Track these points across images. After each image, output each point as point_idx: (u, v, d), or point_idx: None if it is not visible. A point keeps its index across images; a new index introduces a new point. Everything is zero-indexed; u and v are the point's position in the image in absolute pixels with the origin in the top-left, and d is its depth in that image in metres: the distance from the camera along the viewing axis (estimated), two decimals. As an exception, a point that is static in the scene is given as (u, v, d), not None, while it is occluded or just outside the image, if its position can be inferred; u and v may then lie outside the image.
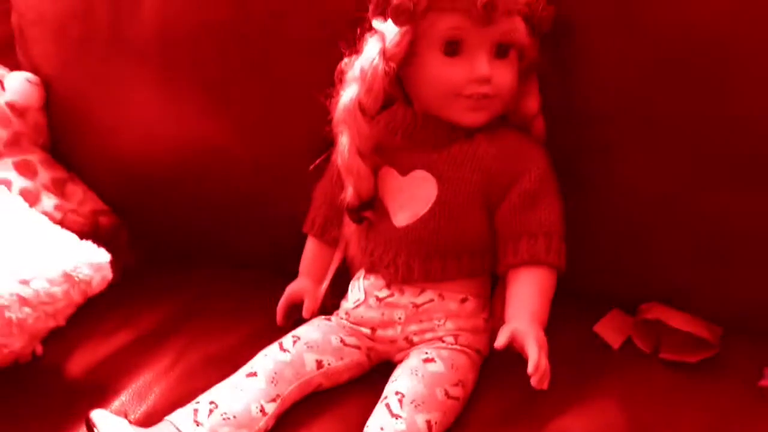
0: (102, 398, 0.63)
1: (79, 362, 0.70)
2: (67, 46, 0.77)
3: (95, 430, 0.52)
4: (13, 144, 0.81)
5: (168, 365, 0.66)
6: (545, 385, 0.51)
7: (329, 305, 0.66)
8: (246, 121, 0.72)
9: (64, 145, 0.84)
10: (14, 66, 0.85)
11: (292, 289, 0.67)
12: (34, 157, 0.82)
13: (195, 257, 0.83)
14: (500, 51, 0.56)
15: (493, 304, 0.61)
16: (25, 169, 0.80)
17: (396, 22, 0.55)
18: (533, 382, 0.51)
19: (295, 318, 0.67)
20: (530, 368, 0.50)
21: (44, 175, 0.81)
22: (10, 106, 0.80)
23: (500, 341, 0.52)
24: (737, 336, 0.58)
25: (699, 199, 0.58)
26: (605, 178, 0.61)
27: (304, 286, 0.67)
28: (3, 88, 0.80)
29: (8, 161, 0.79)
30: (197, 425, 0.52)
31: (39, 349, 0.70)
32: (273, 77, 0.69)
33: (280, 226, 0.74)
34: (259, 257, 0.79)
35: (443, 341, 0.58)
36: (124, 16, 0.72)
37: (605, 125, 0.60)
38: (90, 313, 0.72)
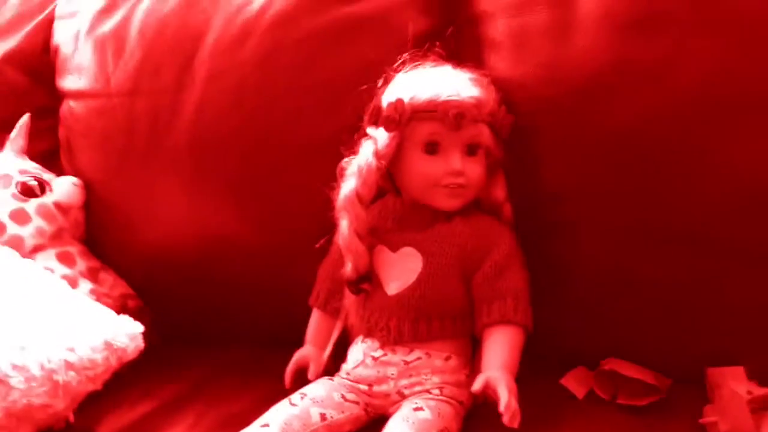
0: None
1: (107, 428, 0.79)
2: (110, 154, 0.91)
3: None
4: (56, 237, 0.93)
5: (188, 427, 0.75)
6: (515, 424, 0.60)
7: (332, 369, 0.75)
8: (260, 214, 0.84)
9: (99, 238, 0.96)
10: (59, 171, 1.00)
11: (299, 355, 0.77)
12: (74, 249, 0.94)
13: (210, 335, 0.93)
14: (470, 150, 0.70)
15: (474, 363, 0.70)
16: (65, 259, 0.91)
17: (386, 129, 0.69)
18: (505, 420, 0.59)
19: (301, 382, 0.76)
20: (502, 407, 0.59)
21: (81, 264, 0.92)
22: (56, 205, 0.93)
23: (476, 386, 0.62)
24: (685, 384, 0.67)
25: (648, 268, 0.69)
26: (567, 252, 0.72)
27: (310, 352, 0.77)
28: (51, 190, 0.94)
29: (51, 252, 0.91)
30: (219, 467, 0.60)
31: (71, 418, 0.78)
32: (284, 176, 0.82)
33: (286, 304, 0.85)
34: (267, 332, 0.89)
35: (430, 393, 0.67)
36: (161, 129, 0.87)
37: (564, 208, 0.72)
38: (116, 385, 0.82)
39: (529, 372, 0.67)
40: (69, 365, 0.68)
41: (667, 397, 0.66)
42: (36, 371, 0.66)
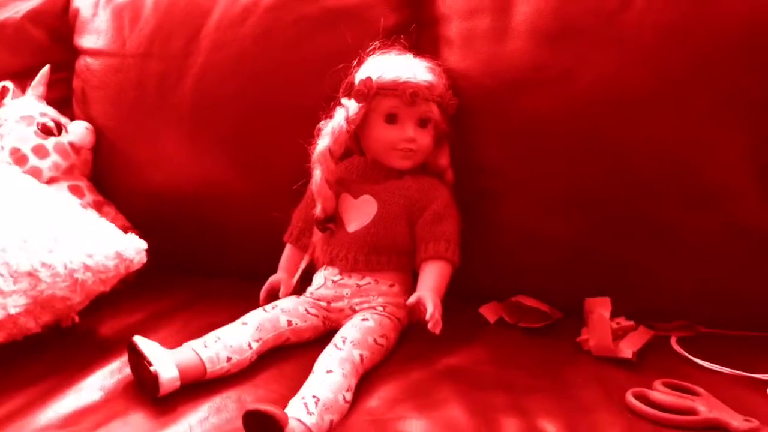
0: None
1: (107, 329, 0.94)
2: (122, 106, 1.07)
3: (137, 348, 0.76)
4: (68, 172, 1.08)
5: (179, 329, 0.90)
6: (437, 330, 0.78)
7: (298, 291, 0.92)
8: (249, 164, 1.01)
9: (105, 177, 1.11)
10: (70, 117, 1.15)
11: (272, 279, 0.94)
12: (82, 183, 1.09)
13: (196, 267, 1.09)
14: (422, 123, 0.88)
15: (412, 292, 0.89)
16: (75, 191, 1.07)
17: (356, 100, 0.87)
18: (429, 326, 0.78)
19: (273, 301, 0.93)
20: (427, 316, 0.77)
21: (89, 197, 1.08)
22: (71, 144, 1.08)
23: (410, 300, 0.80)
24: (572, 317, 0.86)
25: (554, 228, 0.87)
26: (493, 211, 0.91)
27: (281, 277, 0.94)
28: (66, 131, 1.09)
29: (64, 184, 1.06)
30: (206, 347, 0.77)
31: (77, 318, 0.94)
32: (270, 134, 0.99)
33: (264, 241, 1.01)
34: (246, 266, 1.05)
35: (375, 309, 0.85)
36: (168, 88, 1.03)
37: (493, 176, 0.90)
38: (115, 299, 0.98)
39: (454, 303, 0.86)
40: (87, 267, 0.84)
41: (557, 324, 0.85)
42: (60, 269, 0.81)
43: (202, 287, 1.05)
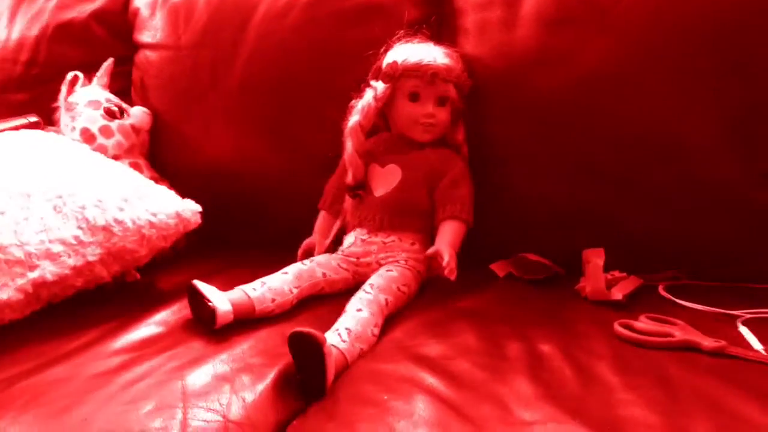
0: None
1: (165, 283, 1.08)
2: (176, 92, 1.22)
3: (197, 288, 0.89)
4: (129, 151, 1.23)
5: (226, 283, 1.03)
6: (453, 277, 0.90)
7: (331, 251, 1.05)
8: (289, 143, 1.14)
9: (159, 156, 1.26)
10: (129, 104, 1.29)
11: (308, 240, 1.07)
12: (141, 162, 1.24)
13: (239, 236, 1.22)
14: (440, 101, 1.01)
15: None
16: (135, 167, 1.20)
17: (384, 81, 1.00)
18: (446, 272, 0.89)
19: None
20: (444, 263, 0.89)
21: (146, 173, 1.22)
22: (132, 126, 1.23)
23: (429, 251, 0.92)
24: (574, 273, 0.97)
25: (557, 193, 0.99)
26: (503, 179, 1.02)
27: (316, 239, 1.07)
28: (129, 115, 1.23)
29: (126, 161, 1.20)
30: (254, 289, 0.90)
31: (138, 276, 1.08)
32: (308, 115, 1.13)
33: (298, 212, 1.13)
34: (281, 235, 1.17)
35: (399, 263, 0.97)
36: (218, 75, 1.17)
37: (504, 148, 1.02)
38: (169, 263, 1.12)
39: (468, 262, 0.97)
40: (152, 224, 0.97)
41: (559, 277, 0.97)
42: (130, 225, 0.95)
43: (244, 253, 1.17)
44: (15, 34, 1.38)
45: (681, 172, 0.91)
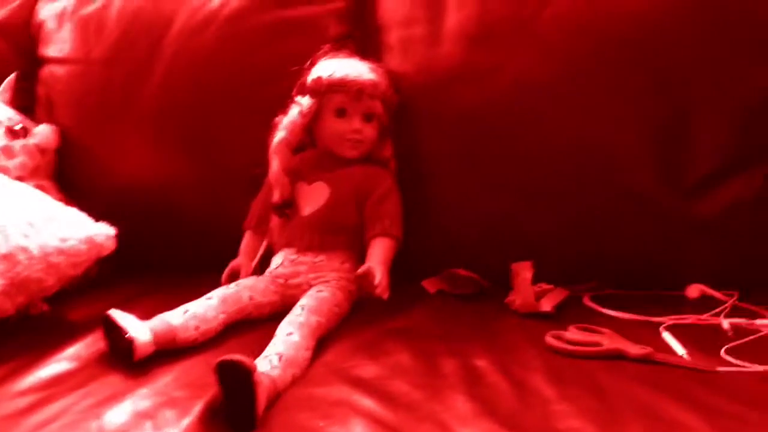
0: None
1: (75, 315, 1.00)
2: (87, 110, 1.15)
3: (112, 319, 0.83)
4: (34, 172, 1.15)
5: (144, 314, 0.97)
6: (386, 296, 0.89)
7: (258, 273, 1.01)
8: (208, 162, 1.10)
9: (68, 178, 1.18)
10: (34, 121, 1.20)
11: (233, 263, 1.03)
12: (47, 184, 1.16)
13: (156, 259, 1.16)
14: (367, 118, 0.99)
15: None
16: (42, 190, 1.12)
17: (310, 96, 0.98)
18: (378, 291, 0.88)
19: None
20: (376, 282, 0.88)
21: (53, 195, 1.13)
22: (37, 146, 1.14)
23: (360, 270, 0.90)
24: (502, 286, 0.98)
25: (481, 207, 1.00)
26: (430, 193, 1.02)
27: (242, 261, 1.03)
28: (33, 134, 1.15)
29: (31, 183, 1.11)
30: (176, 317, 0.85)
31: (46, 307, 1.00)
32: (228, 133, 1.09)
33: (220, 233, 1.09)
34: (201, 259, 1.11)
35: (329, 283, 0.95)
36: (132, 92, 1.12)
37: (430, 163, 1.02)
38: (79, 292, 1.04)
39: (398, 279, 0.96)
40: (60, 251, 0.90)
41: (489, 291, 0.97)
42: (35, 252, 0.88)
43: (165, 278, 1.11)
44: None
45: (605, 184, 0.93)
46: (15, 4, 1.29)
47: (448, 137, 1.00)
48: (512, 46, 0.96)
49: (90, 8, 1.18)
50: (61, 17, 1.21)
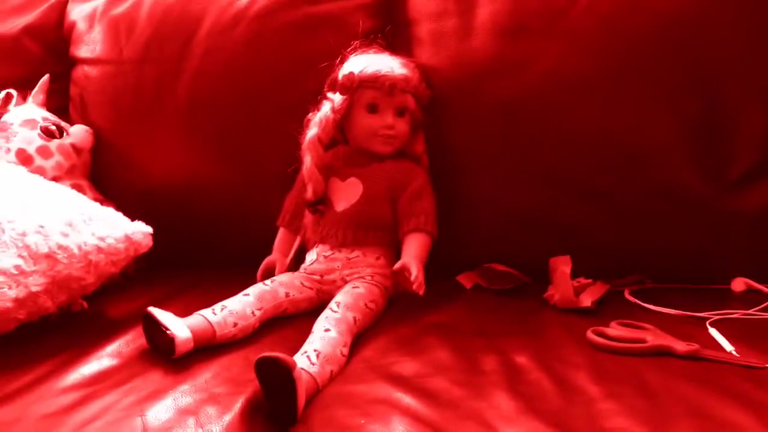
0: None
1: (115, 312, 1.01)
2: (120, 109, 1.16)
3: (153, 316, 0.84)
4: (70, 172, 1.16)
5: (183, 309, 0.97)
6: (422, 292, 0.88)
7: (293, 269, 1.01)
8: (240, 159, 1.10)
9: (103, 177, 1.19)
10: (69, 122, 1.22)
11: (267, 259, 1.03)
12: (83, 183, 1.17)
13: (191, 257, 1.17)
14: (399, 112, 0.99)
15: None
16: (77, 189, 1.13)
17: (341, 93, 0.98)
18: (414, 287, 0.87)
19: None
20: (412, 278, 0.87)
21: (89, 194, 1.15)
22: (72, 146, 1.16)
23: (396, 266, 0.90)
24: (540, 282, 0.97)
25: (517, 200, 0.98)
26: (462, 189, 1.01)
27: (276, 257, 1.03)
28: (68, 134, 1.16)
29: (67, 183, 1.13)
30: (214, 314, 0.86)
31: (85, 304, 1.01)
32: (260, 130, 1.09)
33: (252, 230, 1.09)
34: (234, 255, 1.12)
35: (365, 279, 0.95)
36: (164, 91, 1.12)
37: (463, 157, 1.01)
38: (118, 290, 1.06)
39: (434, 274, 0.95)
40: (99, 249, 0.91)
41: (527, 286, 0.96)
42: (75, 251, 0.89)
43: (200, 275, 1.12)
44: (-61, 51, 1.29)
45: (642, 178, 0.92)
46: (45, 7, 1.30)
47: (481, 131, 0.99)
48: (545, 39, 0.94)
49: (120, 8, 1.19)
50: (91, 18, 1.22)
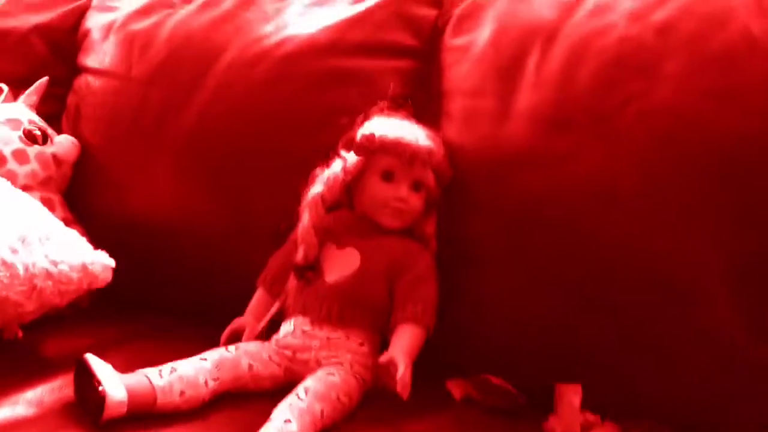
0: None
1: (51, 348, 0.89)
2: (117, 127, 1.07)
3: (88, 365, 0.71)
4: (44, 184, 1.05)
5: (127, 360, 0.83)
6: (406, 395, 0.75)
7: (263, 338, 0.89)
8: (235, 204, 1.00)
9: (80, 195, 1.08)
10: (58, 131, 1.12)
11: (237, 321, 0.91)
12: (55, 198, 1.06)
13: (157, 299, 1.04)
14: (416, 186, 0.89)
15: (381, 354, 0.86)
16: (47, 203, 1.02)
17: (356, 153, 0.88)
18: (398, 387, 0.75)
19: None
20: (398, 376, 0.75)
21: (59, 212, 1.05)
22: (54, 156, 1.06)
23: (382, 358, 0.77)
24: (540, 402, 0.84)
25: (528, 307, 0.87)
26: (471, 284, 0.90)
27: (247, 321, 0.91)
28: (52, 142, 1.06)
29: (36, 194, 1.02)
30: (160, 376, 0.73)
31: (20, 333, 0.88)
32: (262, 178, 0.99)
33: (231, 284, 0.98)
34: (207, 306, 1.01)
35: (342, 365, 0.82)
36: (168, 117, 1.04)
37: (475, 249, 0.91)
38: (63, 322, 0.93)
39: (422, 373, 0.83)
40: (49, 275, 0.79)
41: (523, 407, 0.83)
42: (20, 271, 0.77)
43: (159, 322, 1.00)
44: (-59, 34, 1.22)
45: (675, 311, 0.80)
46: (64, 9, 1.23)
47: (501, 224, 0.89)
48: (587, 137, 0.86)
49: (140, 24, 1.12)
50: (108, 28, 1.14)
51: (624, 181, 0.84)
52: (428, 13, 1.04)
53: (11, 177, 0.99)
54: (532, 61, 0.91)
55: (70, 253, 0.82)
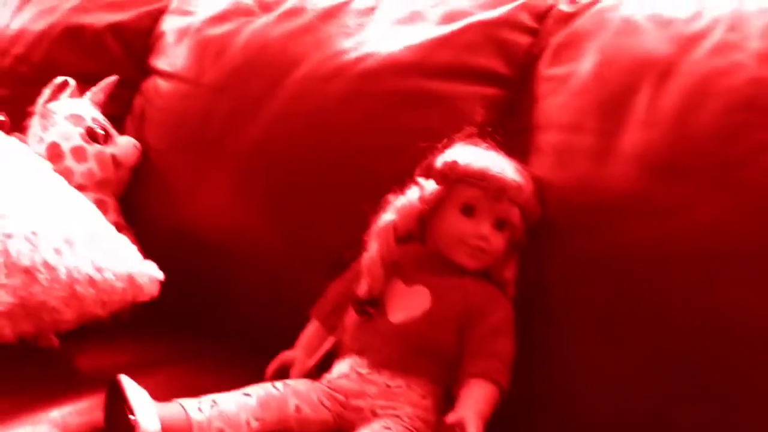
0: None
1: (86, 362, 0.82)
2: (181, 133, 1.02)
3: (121, 388, 0.63)
4: (100, 185, 1.01)
5: (164, 383, 0.76)
6: (474, 462, 0.65)
7: (314, 376, 0.80)
8: (295, 229, 0.93)
9: (135, 199, 1.03)
10: (121, 132, 1.08)
11: (285, 355, 0.82)
12: (109, 201, 1.01)
13: (201, 320, 0.97)
14: (499, 224, 0.80)
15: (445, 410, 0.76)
16: (100, 205, 0.97)
17: (436, 181, 0.80)
18: (466, 455, 0.64)
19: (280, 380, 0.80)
20: (470, 446, 0.64)
21: (111, 216, 0.99)
22: (113, 157, 1.01)
23: (451, 418, 0.67)
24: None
25: (616, 372, 0.76)
26: (552, 340, 0.80)
27: (297, 355, 0.82)
28: (114, 143, 1.02)
29: (90, 195, 0.96)
30: (200, 410, 0.64)
31: (56, 341, 0.81)
32: (328, 202, 0.92)
33: (278, 311, 0.91)
34: (256, 333, 0.93)
35: (401, 419, 0.72)
36: (235, 128, 0.98)
37: (561, 303, 0.80)
38: (102, 334, 0.86)
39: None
40: (92, 282, 0.73)
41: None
42: (62, 275, 0.71)
43: (204, 345, 0.93)
44: (16, 24, 1.22)
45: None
46: (141, 11, 1.20)
47: (592, 277, 0.79)
48: (707, 186, 0.75)
49: (216, 30, 1.07)
50: (183, 32, 1.10)
51: (746, 240, 0.72)
52: (522, 39, 0.96)
53: (67, 174, 0.94)
54: (642, 98, 0.82)
55: (117, 261, 0.76)
